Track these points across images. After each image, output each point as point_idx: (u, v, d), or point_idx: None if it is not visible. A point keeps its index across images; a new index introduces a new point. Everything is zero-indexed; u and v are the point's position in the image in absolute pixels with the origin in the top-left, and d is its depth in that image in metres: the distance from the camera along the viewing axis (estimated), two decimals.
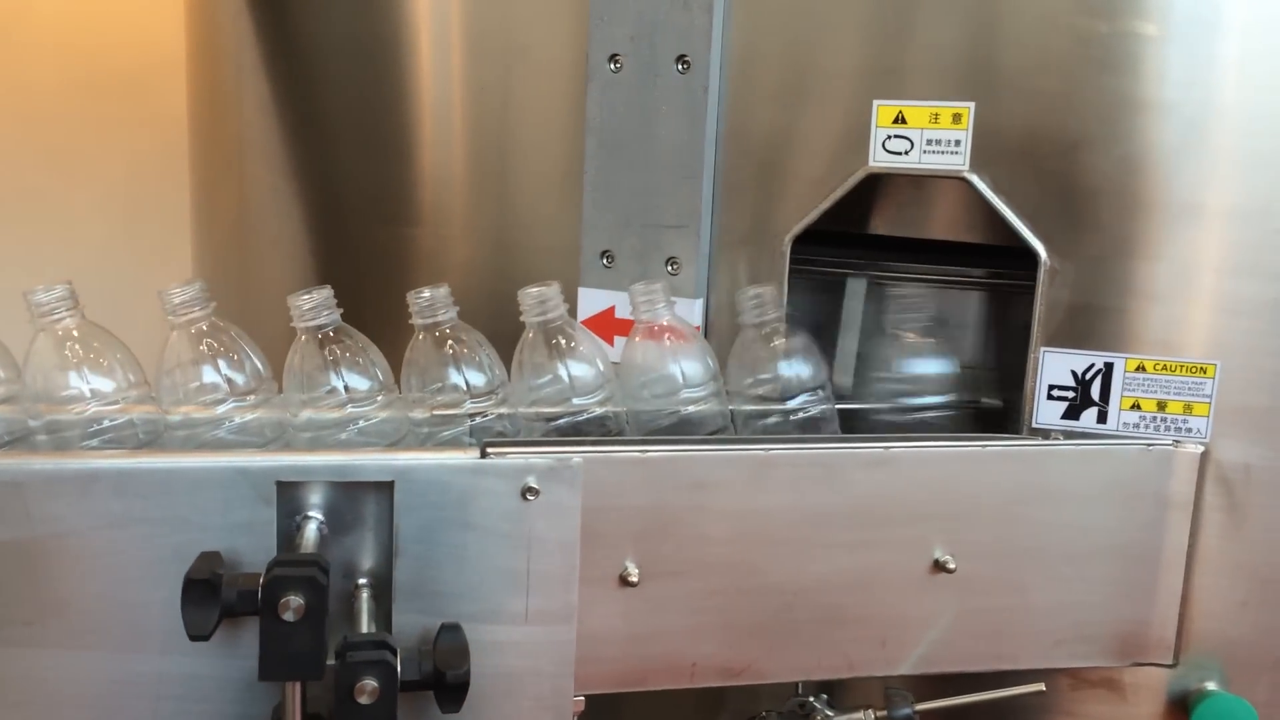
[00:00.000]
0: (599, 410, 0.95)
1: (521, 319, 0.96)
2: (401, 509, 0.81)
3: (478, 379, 0.94)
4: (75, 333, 0.87)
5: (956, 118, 0.98)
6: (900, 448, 0.92)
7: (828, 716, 1.00)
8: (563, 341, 0.96)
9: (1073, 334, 0.98)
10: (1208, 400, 0.96)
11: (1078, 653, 0.98)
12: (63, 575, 0.77)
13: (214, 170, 1.48)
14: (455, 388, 0.93)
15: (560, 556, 0.84)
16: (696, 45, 1.03)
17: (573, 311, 1.09)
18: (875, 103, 1.00)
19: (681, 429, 0.97)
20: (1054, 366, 0.99)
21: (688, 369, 0.97)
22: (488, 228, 1.19)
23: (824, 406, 1.02)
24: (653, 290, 0.99)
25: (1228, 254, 0.96)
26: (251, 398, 0.89)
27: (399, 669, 0.74)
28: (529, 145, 1.16)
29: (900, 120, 0.99)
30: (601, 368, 0.96)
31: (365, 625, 0.79)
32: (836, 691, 1.03)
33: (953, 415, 1.08)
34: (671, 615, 0.89)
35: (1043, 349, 0.99)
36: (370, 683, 0.72)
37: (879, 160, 1.00)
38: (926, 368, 1.09)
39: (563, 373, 0.95)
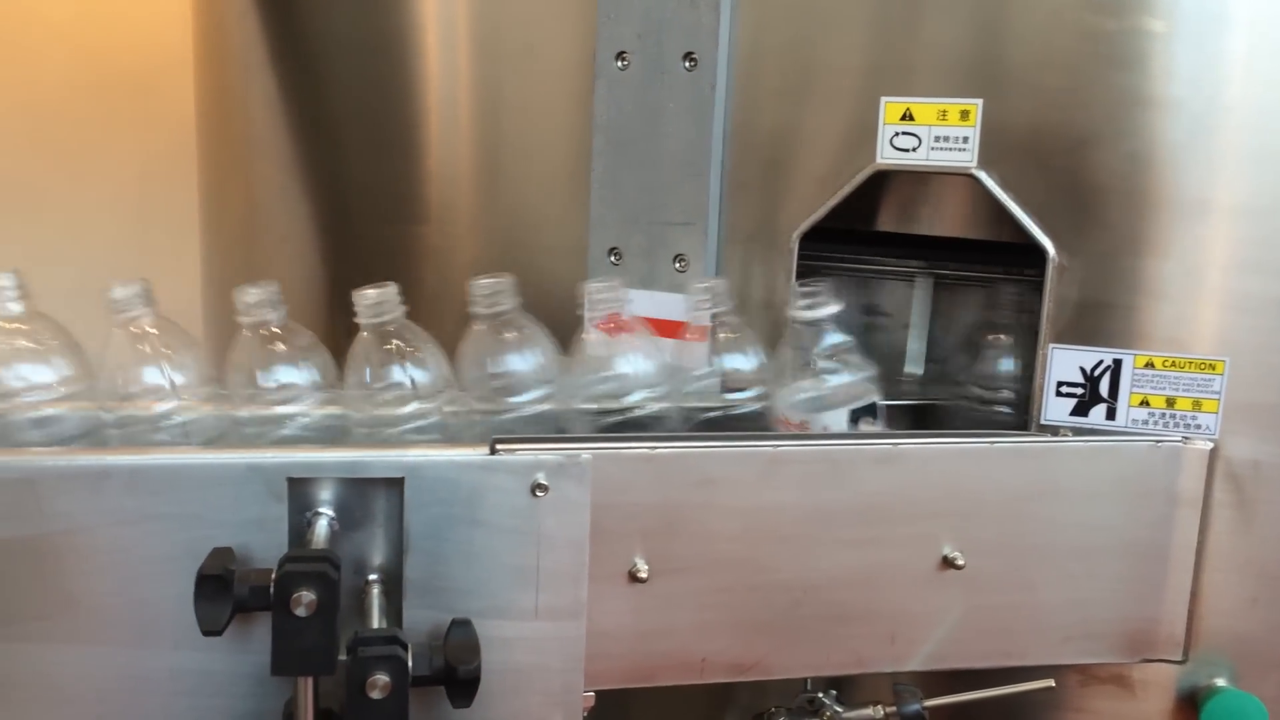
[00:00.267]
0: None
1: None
2: (411, 505, 0.82)
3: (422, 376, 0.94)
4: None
5: (964, 114, 0.98)
6: (908, 444, 0.92)
7: (836, 712, 1.00)
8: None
9: (1081, 331, 0.98)
10: (1216, 397, 0.96)
11: (1087, 649, 0.98)
12: (75, 571, 0.78)
13: (222, 169, 1.48)
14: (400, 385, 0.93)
15: (569, 553, 0.84)
16: (704, 43, 1.03)
17: (579, 308, 1.09)
18: (883, 99, 1.00)
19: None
20: (1062, 363, 0.99)
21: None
22: (495, 225, 1.19)
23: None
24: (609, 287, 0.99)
25: (1236, 251, 0.96)
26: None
27: (410, 664, 0.74)
28: (536, 143, 1.17)
29: (908, 117, 0.99)
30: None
31: (376, 621, 0.79)
32: (845, 687, 1.03)
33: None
34: (680, 611, 0.90)
35: (1051, 345, 0.99)
36: (382, 677, 0.73)
37: (887, 157, 1.01)
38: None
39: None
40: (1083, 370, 0.98)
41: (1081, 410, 0.99)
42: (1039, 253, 0.98)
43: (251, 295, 0.91)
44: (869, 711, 0.99)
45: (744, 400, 1.01)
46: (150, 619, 0.79)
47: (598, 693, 0.88)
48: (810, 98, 1.03)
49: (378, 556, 0.84)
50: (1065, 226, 0.97)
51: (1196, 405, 0.97)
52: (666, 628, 0.90)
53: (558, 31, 1.13)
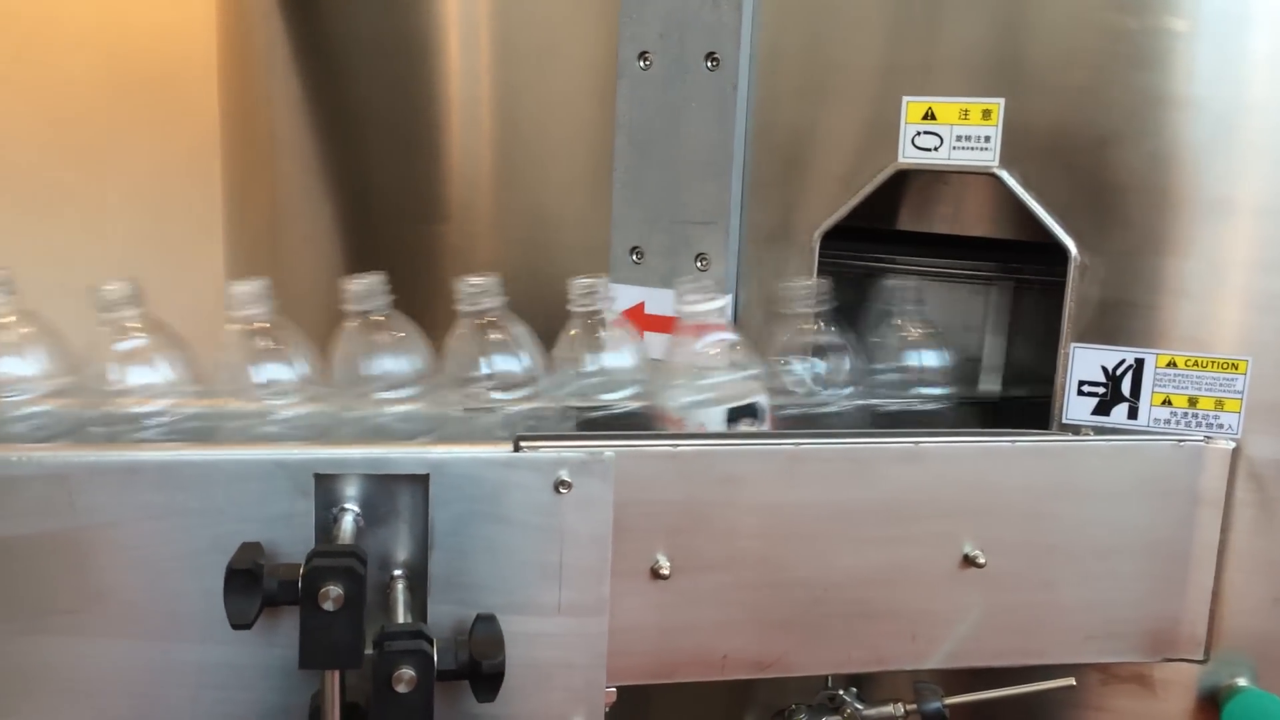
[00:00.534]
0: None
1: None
2: (436, 501, 0.82)
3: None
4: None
5: (986, 114, 0.98)
6: (930, 443, 0.92)
7: (857, 710, 1.00)
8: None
9: (1103, 330, 0.98)
10: (1239, 396, 0.96)
11: (1108, 648, 0.98)
12: (105, 565, 0.79)
13: (246, 169, 1.49)
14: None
15: (592, 549, 0.85)
16: (725, 43, 1.04)
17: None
18: (905, 99, 1.00)
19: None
20: (1084, 362, 0.99)
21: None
22: (517, 224, 1.20)
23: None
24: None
25: (1258, 250, 0.96)
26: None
27: (435, 658, 0.75)
28: (557, 143, 1.17)
29: (930, 116, 0.99)
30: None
31: (401, 616, 0.80)
32: (866, 685, 1.03)
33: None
34: (702, 608, 0.90)
35: (1073, 345, 0.99)
36: (408, 671, 0.73)
37: (908, 156, 1.01)
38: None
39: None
40: (1104, 369, 0.98)
41: (1103, 409, 0.99)
42: (1060, 251, 0.98)
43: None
44: (890, 709, 1.00)
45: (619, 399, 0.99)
46: (178, 613, 0.80)
47: (619, 688, 0.88)
48: (832, 97, 1.03)
49: (402, 552, 0.84)
50: (1087, 225, 0.97)
51: (1219, 405, 0.97)
52: (688, 624, 0.90)
53: (579, 32, 1.13)
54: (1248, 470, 0.97)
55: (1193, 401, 0.97)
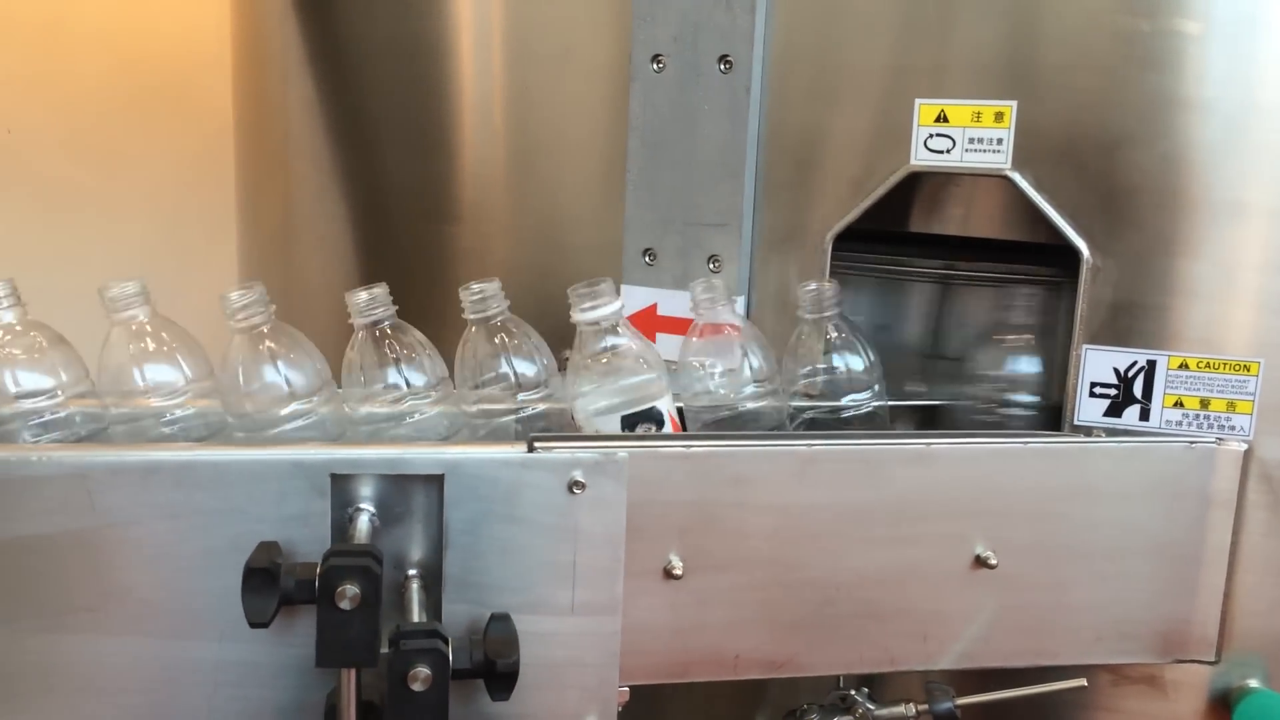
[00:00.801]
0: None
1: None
2: (451, 502, 0.83)
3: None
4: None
5: (999, 116, 0.98)
6: (941, 444, 0.93)
7: (869, 710, 1.00)
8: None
9: (1115, 331, 0.98)
10: (1251, 398, 0.97)
11: (1119, 649, 0.98)
12: (124, 564, 0.80)
13: (260, 170, 1.50)
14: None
15: (606, 549, 0.85)
16: (739, 45, 1.04)
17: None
18: (917, 101, 1.00)
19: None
20: (1096, 364, 0.99)
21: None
22: (530, 226, 1.21)
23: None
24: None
25: (1270, 252, 0.96)
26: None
27: (450, 657, 0.75)
28: (571, 144, 1.18)
29: (942, 119, 1.00)
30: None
31: (416, 615, 0.81)
32: (877, 685, 1.03)
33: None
34: (715, 608, 0.91)
35: (1085, 346, 0.99)
36: (423, 670, 0.74)
37: (921, 159, 1.01)
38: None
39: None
40: (1116, 371, 0.99)
41: (1115, 411, 0.99)
42: (1071, 253, 0.99)
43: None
44: (901, 709, 1.00)
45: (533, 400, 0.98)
46: (196, 611, 0.81)
47: (632, 688, 0.89)
48: (844, 99, 1.04)
49: (417, 552, 0.85)
50: (1099, 227, 0.98)
51: (1231, 406, 0.97)
52: (700, 624, 0.91)
53: (593, 34, 1.14)
54: (1260, 472, 0.97)
55: (1204, 403, 0.97)
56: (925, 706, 0.98)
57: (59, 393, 0.87)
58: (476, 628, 0.82)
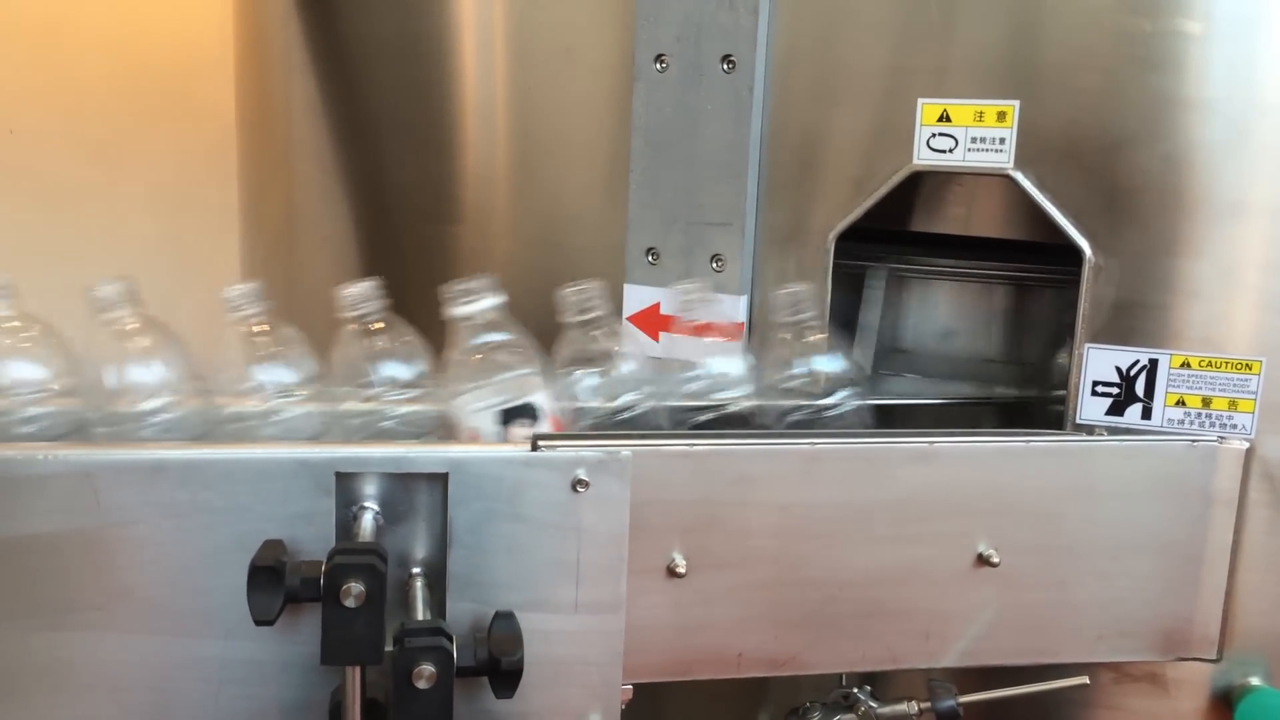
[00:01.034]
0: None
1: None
2: (455, 500, 0.83)
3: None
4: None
5: (1001, 116, 0.99)
6: (944, 443, 0.93)
7: (871, 708, 1.01)
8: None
9: (1117, 330, 0.99)
10: (1253, 397, 0.97)
11: (1121, 647, 0.98)
12: (129, 562, 0.80)
13: (263, 170, 1.50)
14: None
15: (609, 548, 0.85)
16: (741, 45, 1.05)
17: (617, 308, 1.10)
18: (920, 101, 1.01)
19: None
20: (1098, 363, 0.99)
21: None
22: (532, 225, 1.21)
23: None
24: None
25: (1272, 251, 0.97)
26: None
27: (455, 655, 0.76)
28: (574, 144, 1.18)
29: (945, 119, 1.00)
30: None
31: (420, 613, 0.81)
32: (880, 683, 1.04)
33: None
34: (718, 607, 0.91)
35: (1087, 345, 0.99)
36: (428, 667, 0.74)
37: (923, 158, 1.01)
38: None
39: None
40: (1119, 370, 0.99)
41: (1117, 410, 0.99)
42: (1074, 253, 0.99)
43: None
44: (904, 707, 1.00)
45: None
46: (202, 609, 0.81)
47: (635, 686, 0.89)
48: (847, 99, 1.04)
49: (421, 550, 0.85)
50: (1101, 227, 0.98)
51: (1233, 405, 0.97)
52: (704, 622, 0.91)
53: (595, 34, 1.14)
54: (1261, 470, 0.98)
55: (1206, 402, 0.98)
56: (928, 704, 0.98)
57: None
58: (480, 626, 0.82)
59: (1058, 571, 0.96)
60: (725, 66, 1.05)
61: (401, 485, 0.84)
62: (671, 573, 0.89)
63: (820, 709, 1.03)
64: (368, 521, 0.82)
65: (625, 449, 0.85)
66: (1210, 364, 0.97)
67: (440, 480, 0.83)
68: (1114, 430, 0.99)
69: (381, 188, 1.32)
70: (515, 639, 0.80)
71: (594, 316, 0.97)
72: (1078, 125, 0.97)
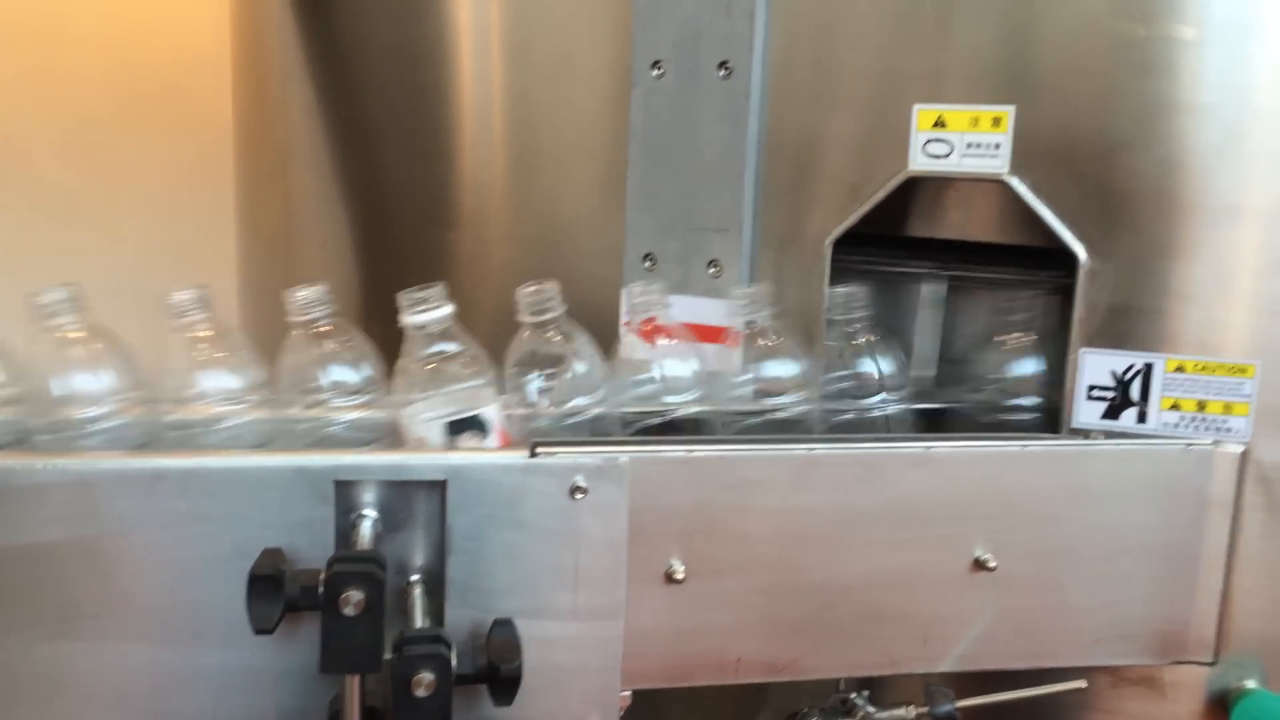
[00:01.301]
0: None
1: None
2: (454, 507, 0.83)
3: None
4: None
5: (996, 121, 0.99)
6: (941, 447, 0.93)
7: (869, 713, 1.01)
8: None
9: (1112, 335, 0.99)
10: (1247, 400, 0.97)
11: (1118, 651, 0.99)
12: (129, 571, 0.80)
13: (260, 176, 1.50)
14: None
15: (608, 554, 0.86)
16: (738, 52, 1.05)
17: (615, 314, 1.11)
18: (915, 107, 1.01)
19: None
20: (1093, 367, 1.00)
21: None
22: (530, 230, 1.21)
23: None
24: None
25: (1266, 255, 0.97)
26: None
27: (454, 663, 0.76)
28: (571, 150, 1.18)
29: (940, 124, 1.00)
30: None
31: (419, 620, 0.81)
32: (878, 688, 1.04)
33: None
34: (716, 612, 0.91)
35: (1082, 349, 1.00)
36: (426, 675, 0.74)
37: (919, 164, 1.02)
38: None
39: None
40: (1114, 374, 0.99)
41: (1113, 414, 1.00)
42: (1069, 257, 0.99)
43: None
44: (901, 712, 1.01)
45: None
46: (201, 617, 0.81)
47: (634, 692, 0.89)
48: (843, 105, 1.04)
49: (419, 557, 0.85)
50: (1096, 231, 0.98)
51: (1227, 408, 0.98)
52: (702, 628, 0.91)
53: (592, 40, 1.14)
54: (1256, 473, 0.98)
55: (1201, 405, 0.98)
56: (926, 709, 0.99)
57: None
58: (479, 633, 0.83)
59: (1054, 575, 0.96)
60: (722, 72, 1.06)
61: (400, 493, 0.84)
62: (670, 578, 0.89)
63: (819, 714, 1.03)
64: (366, 529, 0.82)
65: (624, 455, 0.86)
66: (1205, 368, 0.98)
67: (439, 487, 0.83)
68: (1109, 434, 1.00)
69: (379, 192, 1.33)
70: (514, 646, 0.80)
71: (549, 318, 0.97)
72: (1072, 130, 0.98)
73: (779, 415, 1.01)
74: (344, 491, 0.82)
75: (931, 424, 1.09)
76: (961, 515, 0.94)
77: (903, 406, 1.04)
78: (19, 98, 1.92)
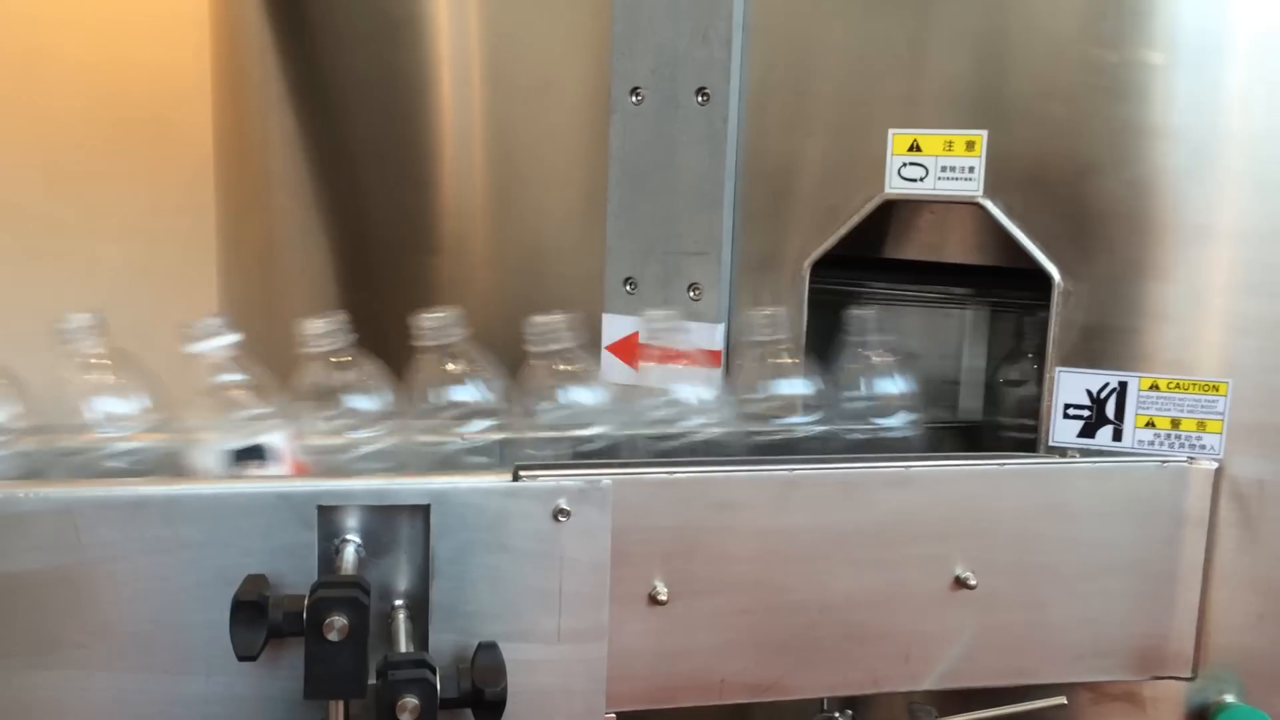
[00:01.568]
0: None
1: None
2: (437, 531, 0.83)
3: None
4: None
5: (970, 145, 1.00)
6: (920, 467, 0.94)
7: None
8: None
9: (1087, 354, 1.00)
10: (1220, 417, 0.99)
11: (1097, 667, 0.99)
12: (111, 598, 0.80)
13: (241, 202, 1.51)
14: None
15: (591, 576, 0.86)
16: (715, 78, 1.06)
17: (596, 338, 1.11)
18: (890, 131, 1.02)
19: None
20: (1069, 386, 1.01)
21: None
22: (511, 255, 1.22)
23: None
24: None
25: (1237, 275, 0.98)
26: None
27: (439, 687, 0.76)
28: (551, 175, 1.19)
29: (915, 148, 1.02)
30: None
31: (403, 645, 0.81)
32: (860, 706, 1.04)
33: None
34: (700, 633, 0.91)
35: (1058, 369, 1.01)
36: (411, 700, 0.74)
37: (895, 187, 1.03)
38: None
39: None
40: (1089, 393, 1.01)
41: (1089, 432, 1.01)
42: (1043, 278, 1.01)
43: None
44: None
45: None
46: (184, 645, 0.81)
47: (619, 714, 0.89)
48: (819, 130, 1.06)
49: (403, 582, 0.85)
50: (1070, 252, 1.00)
51: (1201, 426, 0.99)
52: (686, 649, 0.92)
53: (571, 67, 1.16)
54: (1230, 490, 0.99)
55: (1175, 423, 0.99)
56: None
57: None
58: (464, 656, 0.83)
59: (1034, 592, 0.97)
60: (700, 99, 1.07)
61: (383, 518, 0.84)
62: (653, 600, 0.90)
63: None
64: (350, 554, 0.82)
65: (606, 478, 0.86)
66: (1179, 386, 0.99)
67: (422, 512, 0.84)
68: (1086, 452, 1.01)
69: (360, 219, 1.33)
70: (499, 669, 0.80)
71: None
72: (1045, 154, 0.99)
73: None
74: (327, 517, 0.82)
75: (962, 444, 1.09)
76: (942, 534, 0.95)
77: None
78: (0, 126, 1.93)
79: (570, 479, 0.85)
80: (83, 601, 0.79)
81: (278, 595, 0.77)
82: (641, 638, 0.90)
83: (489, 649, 0.82)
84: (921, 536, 0.94)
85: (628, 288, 1.12)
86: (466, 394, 0.97)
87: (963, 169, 1.01)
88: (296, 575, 0.81)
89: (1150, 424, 1.00)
